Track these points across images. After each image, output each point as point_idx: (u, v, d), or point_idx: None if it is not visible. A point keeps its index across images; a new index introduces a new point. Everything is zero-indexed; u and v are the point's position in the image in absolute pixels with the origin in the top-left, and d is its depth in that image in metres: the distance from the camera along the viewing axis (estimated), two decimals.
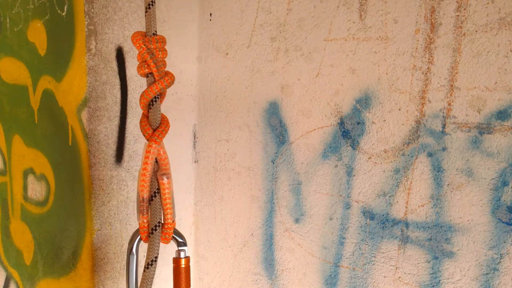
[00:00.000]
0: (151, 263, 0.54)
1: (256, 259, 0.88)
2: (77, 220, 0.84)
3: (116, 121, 0.82)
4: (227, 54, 0.89)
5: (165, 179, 0.54)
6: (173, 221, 0.57)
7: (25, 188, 1.01)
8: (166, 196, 0.55)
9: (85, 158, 0.80)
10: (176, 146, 0.95)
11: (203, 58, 0.94)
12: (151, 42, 0.52)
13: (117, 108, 0.82)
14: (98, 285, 0.83)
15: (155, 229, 0.55)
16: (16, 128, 1.01)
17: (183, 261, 0.57)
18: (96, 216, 0.81)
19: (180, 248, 0.57)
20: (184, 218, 1.00)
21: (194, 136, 0.99)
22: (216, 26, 0.90)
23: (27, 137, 0.97)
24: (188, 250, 1.01)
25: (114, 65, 0.80)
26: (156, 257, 0.55)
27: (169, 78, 0.53)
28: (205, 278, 1.00)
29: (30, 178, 0.98)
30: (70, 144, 0.83)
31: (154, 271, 0.55)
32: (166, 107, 0.90)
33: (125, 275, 0.87)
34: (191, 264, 1.03)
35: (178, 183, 0.97)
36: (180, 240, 0.57)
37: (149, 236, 0.55)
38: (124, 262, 0.87)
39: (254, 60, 0.83)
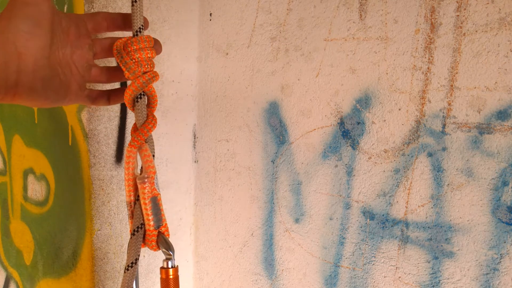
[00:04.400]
0: (131, 265, 0.53)
1: (256, 259, 0.88)
2: (77, 220, 0.84)
3: (116, 121, 0.82)
4: (227, 54, 0.89)
5: (142, 183, 0.52)
6: (157, 228, 0.54)
7: (25, 188, 1.01)
8: (146, 201, 0.52)
9: (85, 158, 0.80)
10: (176, 146, 0.95)
11: (203, 58, 0.94)
12: (133, 43, 0.51)
13: (117, 108, 0.82)
14: (98, 285, 0.83)
15: (136, 232, 0.54)
16: (16, 128, 1.01)
17: (171, 272, 0.55)
18: (96, 216, 0.81)
19: (167, 257, 0.55)
20: (184, 218, 1.00)
21: (194, 136, 0.99)
22: (216, 26, 0.90)
23: (27, 137, 0.97)
24: (188, 250, 1.02)
25: (115, 65, 0.80)
26: (136, 260, 0.53)
27: (148, 75, 0.52)
28: (205, 278, 1.00)
29: (30, 178, 0.98)
30: (70, 144, 0.83)
31: (133, 274, 0.53)
32: (166, 107, 0.90)
33: None
34: (191, 264, 1.03)
35: (178, 183, 0.97)
36: (165, 250, 0.55)
37: (129, 240, 0.54)
38: (124, 262, 0.87)
39: (254, 60, 0.83)
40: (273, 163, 0.82)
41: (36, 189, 0.97)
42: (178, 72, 0.92)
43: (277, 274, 0.84)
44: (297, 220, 0.80)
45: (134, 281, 0.55)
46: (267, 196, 0.84)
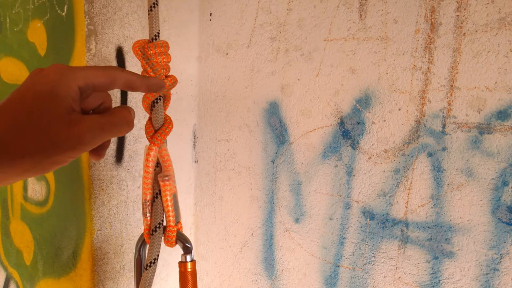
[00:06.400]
0: (149, 264, 0.55)
1: (256, 259, 0.88)
2: (77, 220, 0.84)
3: None
4: (227, 54, 0.89)
5: (166, 181, 0.54)
6: (176, 224, 0.56)
7: (25, 188, 1.01)
8: (167, 198, 0.54)
9: (85, 158, 0.80)
10: (176, 146, 0.95)
11: (203, 58, 0.94)
12: (150, 48, 0.52)
13: None
14: (98, 285, 0.83)
15: (155, 230, 0.55)
16: None
17: (189, 265, 0.57)
18: (96, 216, 0.81)
19: (185, 252, 0.57)
20: (184, 218, 1.00)
21: (194, 136, 0.99)
22: (216, 26, 0.90)
23: None
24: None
25: (114, 65, 0.80)
26: (155, 258, 0.55)
27: (169, 81, 0.54)
28: (205, 278, 1.00)
29: (30, 178, 0.98)
30: None
31: (154, 272, 0.55)
32: None
33: (125, 275, 0.88)
34: None
35: (178, 183, 0.97)
36: (186, 244, 0.57)
37: (150, 237, 0.56)
38: (124, 262, 0.87)
39: (254, 60, 0.83)
40: (273, 163, 0.82)
41: (36, 189, 0.97)
42: (178, 72, 0.92)
43: (277, 274, 0.84)
44: (297, 220, 0.80)
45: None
46: (267, 196, 0.84)
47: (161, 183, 0.54)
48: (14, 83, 0.99)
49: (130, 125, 0.44)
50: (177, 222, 0.56)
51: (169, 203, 0.54)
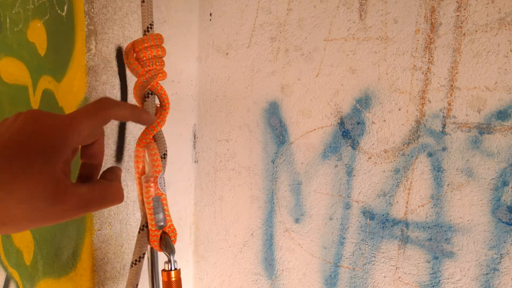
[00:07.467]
0: (136, 262, 0.54)
1: (256, 259, 0.88)
2: (77, 220, 0.84)
3: (116, 121, 0.82)
4: (227, 54, 0.89)
5: (145, 183, 0.53)
6: (159, 228, 0.54)
7: None
8: (148, 200, 0.53)
9: None
10: (176, 146, 0.95)
11: (203, 58, 0.94)
12: (135, 44, 0.51)
13: None
14: (98, 285, 0.83)
15: (142, 230, 0.55)
16: None
17: (173, 274, 0.55)
18: (96, 216, 0.81)
19: (168, 259, 0.55)
20: (184, 218, 1.00)
21: (194, 136, 0.99)
22: (216, 26, 0.90)
23: None
24: (188, 250, 1.02)
25: (114, 65, 0.80)
26: (140, 257, 0.54)
27: (144, 77, 0.51)
28: (205, 278, 1.00)
29: None
30: None
31: (139, 270, 0.54)
32: None
33: (125, 275, 0.88)
34: (191, 264, 1.03)
35: (178, 183, 0.97)
36: (165, 252, 0.54)
37: (137, 235, 0.55)
38: (124, 262, 0.87)
39: (254, 60, 0.83)
40: (273, 163, 0.82)
41: None
42: (178, 72, 0.92)
43: (277, 274, 0.84)
44: (297, 220, 0.80)
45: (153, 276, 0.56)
46: (267, 196, 0.84)
47: (142, 184, 0.53)
48: (14, 83, 0.99)
49: (120, 199, 0.41)
50: (161, 226, 0.54)
51: (149, 206, 0.53)
